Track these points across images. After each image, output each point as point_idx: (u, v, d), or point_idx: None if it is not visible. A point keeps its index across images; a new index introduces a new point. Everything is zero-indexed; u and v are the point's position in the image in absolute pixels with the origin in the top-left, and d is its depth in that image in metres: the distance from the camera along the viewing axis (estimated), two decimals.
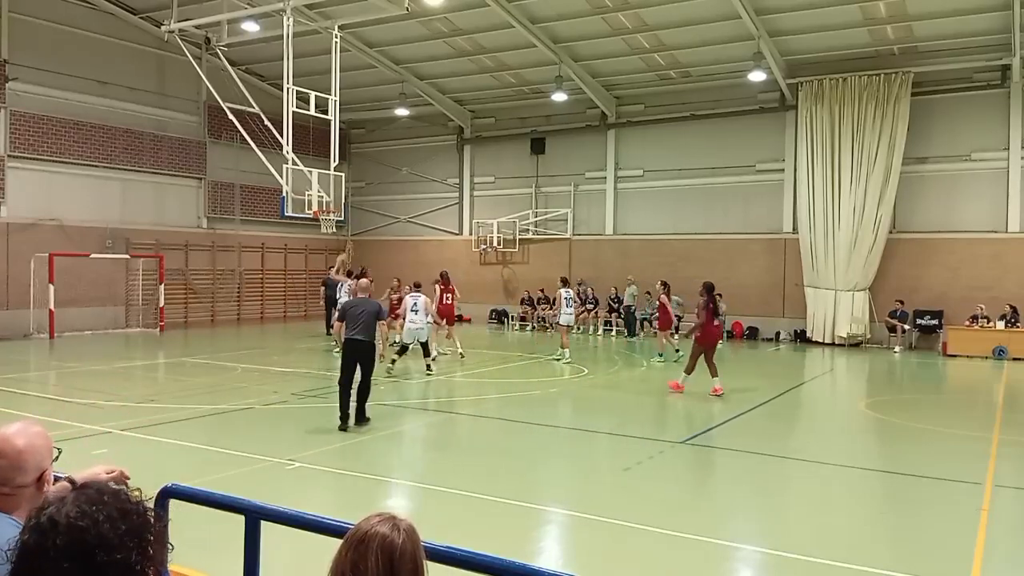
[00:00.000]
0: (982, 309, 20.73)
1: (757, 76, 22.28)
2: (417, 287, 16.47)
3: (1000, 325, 20.46)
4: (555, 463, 9.40)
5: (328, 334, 21.44)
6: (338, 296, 19.00)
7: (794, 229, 23.90)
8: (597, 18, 22.06)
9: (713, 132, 25.14)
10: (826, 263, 22.95)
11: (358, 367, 10.47)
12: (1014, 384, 16.28)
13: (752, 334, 24.43)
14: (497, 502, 7.38)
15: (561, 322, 18.49)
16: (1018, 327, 20.31)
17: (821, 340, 22.94)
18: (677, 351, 18.53)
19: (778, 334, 24.14)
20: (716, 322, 13.98)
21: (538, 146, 28.28)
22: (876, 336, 22.71)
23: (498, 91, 28.07)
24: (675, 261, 25.04)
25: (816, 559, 5.98)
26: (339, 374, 10.51)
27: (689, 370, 13.63)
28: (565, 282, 19.16)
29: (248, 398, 12.51)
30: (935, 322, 21.93)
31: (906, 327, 22.10)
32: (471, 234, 29.30)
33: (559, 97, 24.99)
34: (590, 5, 21.42)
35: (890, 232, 22.43)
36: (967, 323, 20.98)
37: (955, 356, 20.43)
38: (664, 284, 19.05)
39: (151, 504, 1.84)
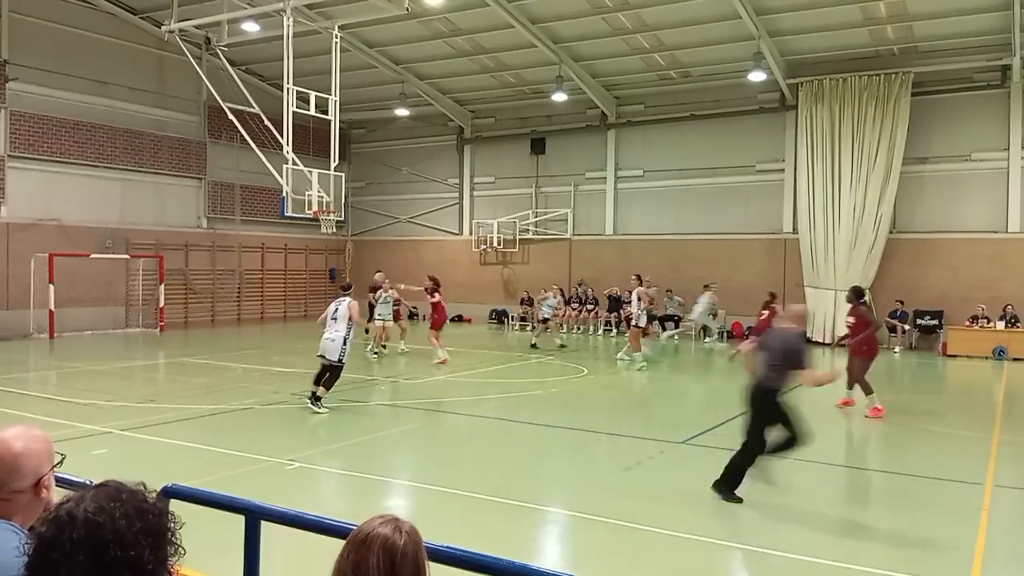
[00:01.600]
0: (982, 309, 20.74)
1: (757, 76, 22.27)
2: (346, 290, 12.62)
3: (1000, 325, 20.47)
4: (555, 463, 9.40)
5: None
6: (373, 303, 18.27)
7: (794, 229, 23.89)
8: (597, 18, 22.06)
9: (713, 132, 25.14)
10: (826, 263, 22.95)
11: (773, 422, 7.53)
12: (1014, 384, 16.27)
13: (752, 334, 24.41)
14: (497, 502, 7.38)
15: (641, 323, 17.33)
16: (1018, 327, 20.31)
17: (821, 340, 22.92)
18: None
19: None
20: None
21: (538, 146, 28.27)
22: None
23: (498, 91, 28.07)
24: (676, 261, 25.04)
25: (816, 559, 5.98)
26: (748, 436, 7.45)
27: (869, 389, 12.05)
28: (641, 280, 17.88)
29: (248, 398, 12.51)
30: (935, 322, 21.92)
31: (906, 327, 22.09)
32: (471, 234, 29.30)
33: (559, 97, 24.99)
34: (590, 5, 21.41)
35: (890, 232, 22.42)
36: (967, 323, 20.98)
37: (955, 356, 20.42)
38: (772, 296, 18.72)
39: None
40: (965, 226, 21.93)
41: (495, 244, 28.29)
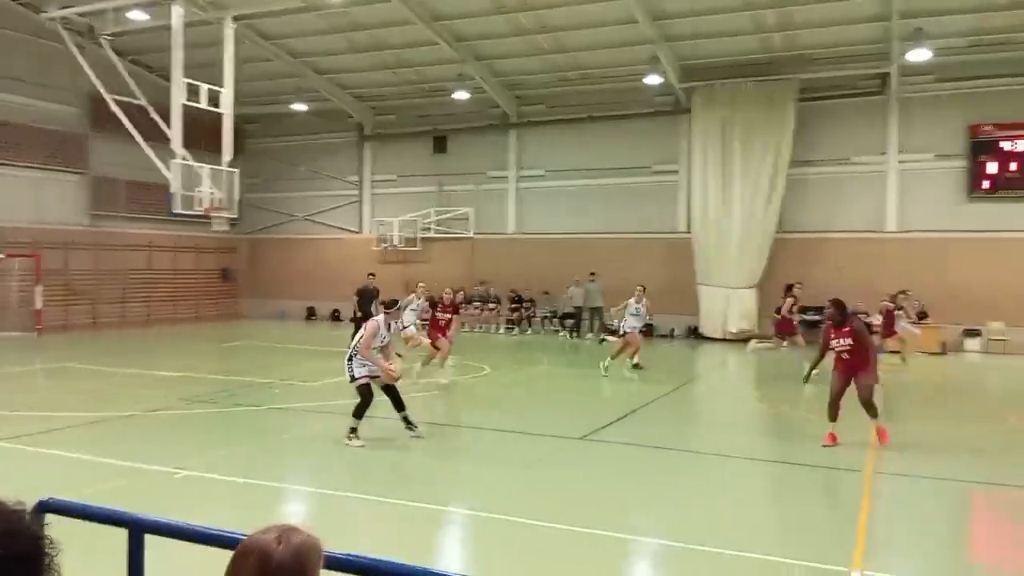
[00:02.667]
0: (861, 305, 21.80)
1: (653, 80, 22.81)
2: (386, 307, 10.48)
3: (877, 320, 21.55)
4: (456, 462, 9.35)
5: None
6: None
7: (688, 229, 24.59)
8: (499, 17, 22.11)
9: (612, 133, 25.60)
10: (718, 262, 23.73)
11: None
12: (888, 377, 17.19)
13: (647, 330, 24.98)
14: (396, 504, 7.27)
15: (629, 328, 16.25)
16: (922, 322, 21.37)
17: (713, 336, 23.71)
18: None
19: (672, 330, 24.80)
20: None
21: (440, 144, 28.14)
22: (764, 332, 23.58)
23: (399, 88, 27.77)
24: (576, 260, 25.35)
25: (712, 548, 6.13)
26: None
27: (877, 412, 9.94)
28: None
29: (132, 404, 11.92)
30: (819, 318, 22.93)
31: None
32: (371, 232, 28.90)
33: (461, 95, 24.93)
34: (492, 4, 21.44)
35: (777, 232, 23.36)
36: None
37: None
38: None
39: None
40: (847, 226, 23.07)
41: (396, 242, 27.98)
